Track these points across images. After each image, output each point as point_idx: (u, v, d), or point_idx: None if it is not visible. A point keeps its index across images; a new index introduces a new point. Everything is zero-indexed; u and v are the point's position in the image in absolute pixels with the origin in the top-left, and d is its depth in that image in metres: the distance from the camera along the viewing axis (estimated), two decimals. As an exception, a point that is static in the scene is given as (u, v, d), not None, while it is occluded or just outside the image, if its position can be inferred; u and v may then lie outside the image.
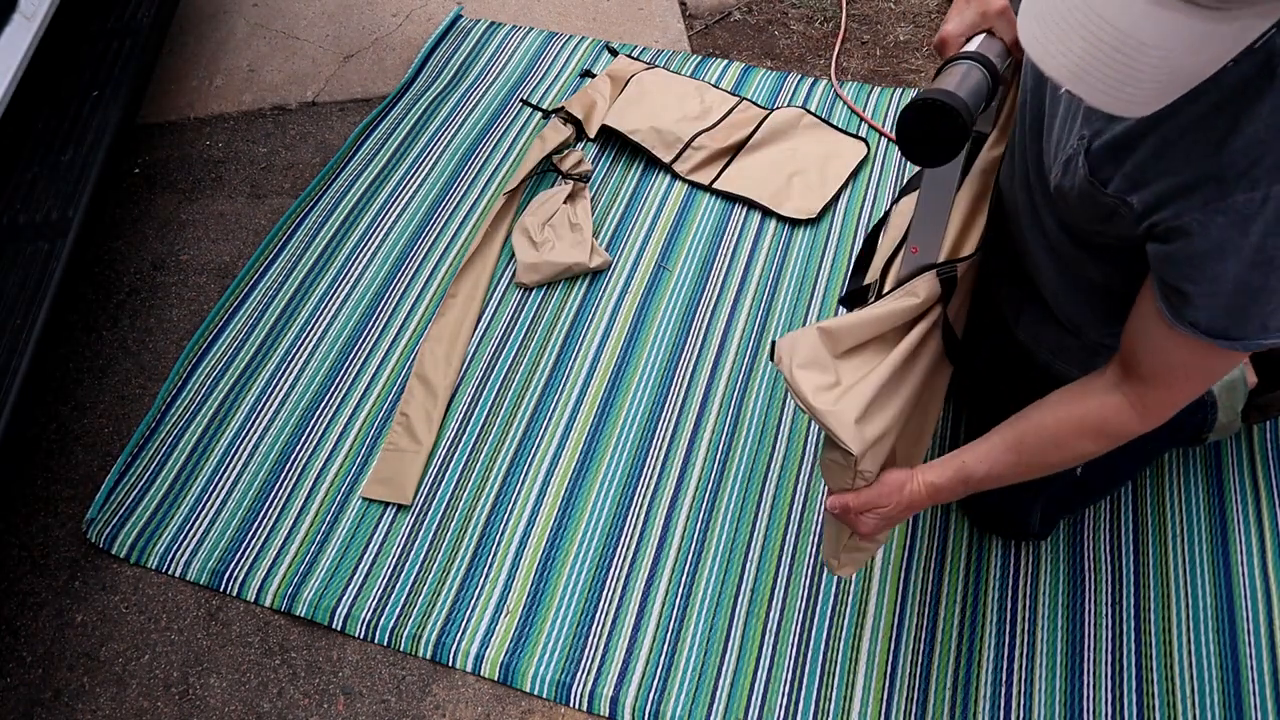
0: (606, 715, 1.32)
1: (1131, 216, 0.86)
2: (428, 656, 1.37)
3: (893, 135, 2.03)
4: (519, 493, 1.53)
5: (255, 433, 1.60)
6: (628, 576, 1.44)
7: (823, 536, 1.30)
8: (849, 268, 1.81)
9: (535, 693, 1.34)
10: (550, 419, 1.61)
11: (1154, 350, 0.90)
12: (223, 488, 1.54)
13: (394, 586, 1.43)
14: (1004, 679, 1.33)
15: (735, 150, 1.99)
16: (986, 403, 1.42)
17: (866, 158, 2.00)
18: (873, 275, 1.21)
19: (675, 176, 1.97)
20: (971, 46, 0.96)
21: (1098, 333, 1.10)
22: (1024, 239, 1.12)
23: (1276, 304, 0.79)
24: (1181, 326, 0.84)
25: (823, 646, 1.36)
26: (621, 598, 1.42)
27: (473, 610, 1.41)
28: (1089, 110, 0.89)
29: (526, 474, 1.55)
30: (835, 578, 1.42)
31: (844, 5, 2.38)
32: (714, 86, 2.12)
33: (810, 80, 2.18)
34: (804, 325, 1.72)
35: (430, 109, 2.11)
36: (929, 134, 0.90)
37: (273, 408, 1.63)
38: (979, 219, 1.14)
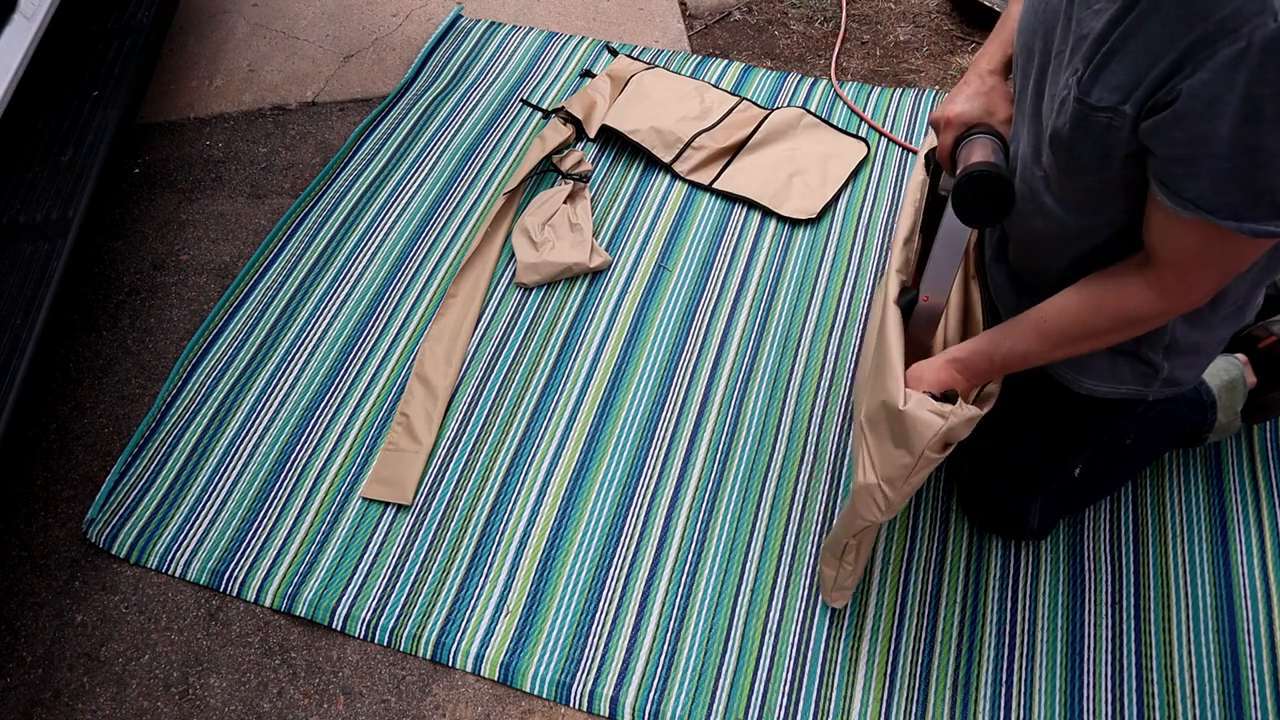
0: (606, 715, 1.32)
1: (1127, 127, 0.85)
2: (428, 656, 1.37)
3: (892, 135, 2.03)
4: (519, 493, 1.53)
5: (255, 433, 1.60)
6: (628, 576, 1.44)
7: (820, 577, 1.38)
8: (849, 268, 1.81)
9: (535, 693, 1.34)
10: (550, 419, 1.61)
11: (1168, 240, 0.88)
12: (223, 488, 1.54)
13: (394, 586, 1.43)
14: (1004, 679, 1.33)
15: (735, 150, 1.99)
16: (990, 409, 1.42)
17: (866, 158, 2.00)
18: (900, 259, 1.25)
19: (675, 176, 1.97)
20: (977, 154, 1.06)
21: None
22: (1036, 231, 1.12)
23: None
24: (1185, 209, 0.82)
25: (823, 646, 1.36)
26: (621, 598, 1.42)
27: (473, 610, 1.41)
28: (1076, 46, 0.89)
29: (526, 474, 1.55)
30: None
31: (844, 5, 2.38)
32: (714, 86, 2.12)
33: (810, 80, 2.18)
34: (804, 326, 1.72)
35: (430, 109, 2.11)
36: (985, 200, 1.00)
37: (273, 408, 1.63)
38: (972, 318, 1.23)
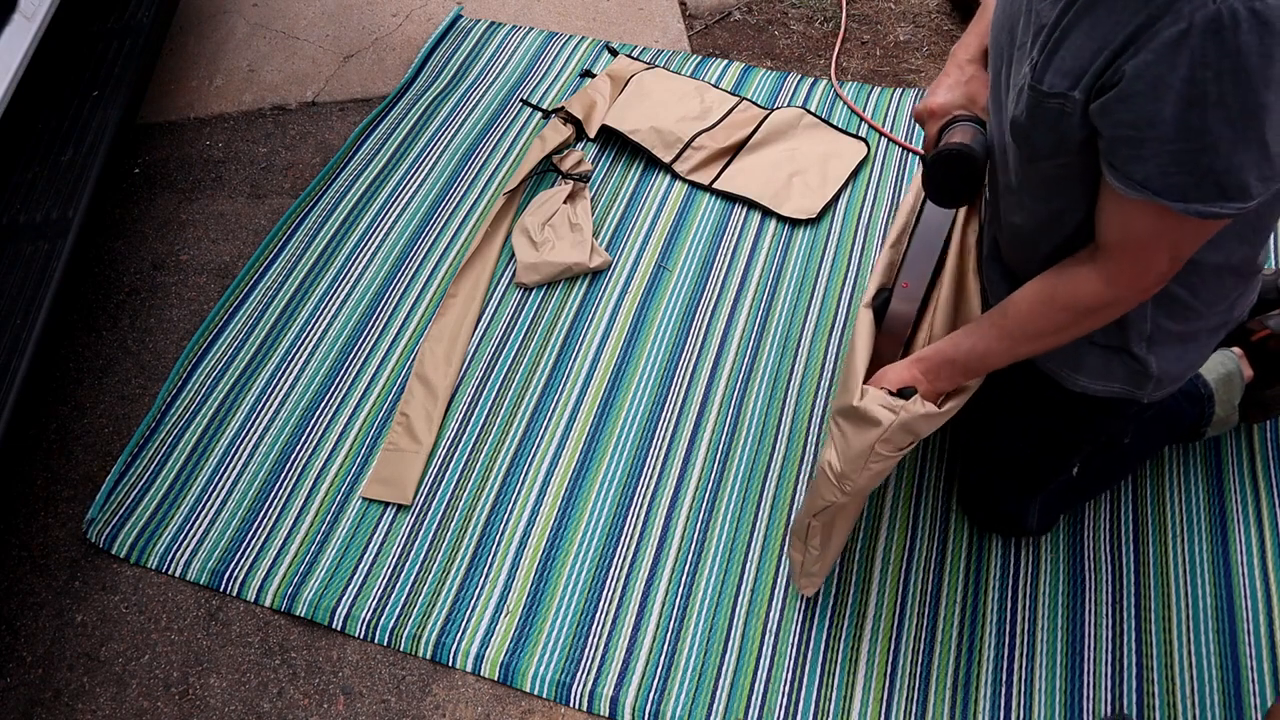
0: (606, 715, 1.32)
1: (1078, 113, 0.85)
2: (428, 656, 1.37)
3: (892, 135, 2.03)
4: (519, 493, 1.53)
5: (255, 433, 1.60)
6: (628, 576, 1.44)
7: (789, 561, 1.39)
8: (849, 268, 1.81)
9: (535, 693, 1.34)
10: (550, 419, 1.61)
11: (1116, 224, 0.89)
12: (223, 488, 1.54)
13: (394, 586, 1.43)
14: (1004, 679, 1.33)
15: (735, 150, 1.99)
16: (988, 410, 1.42)
17: (866, 158, 2.00)
18: (886, 261, 1.26)
19: (675, 176, 1.97)
20: (956, 137, 1.07)
21: None
22: (1016, 223, 1.12)
23: (1227, 160, 0.77)
24: (1134, 191, 0.82)
25: (823, 646, 1.36)
26: (621, 598, 1.42)
27: (473, 610, 1.41)
28: (1034, 38, 0.90)
29: (526, 474, 1.55)
30: (835, 577, 1.42)
31: (844, 5, 2.38)
32: (714, 86, 2.12)
33: (810, 80, 2.18)
34: (804, 326, 1.72)
35: (430, 109, 2.11)
36: (955, 179, 1.03)
37: (273, 408, 1.63)
38: (964, 307, 1.22)
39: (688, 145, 1.98)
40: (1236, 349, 1.45)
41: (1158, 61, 0.75)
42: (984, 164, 1.03)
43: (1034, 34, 0.91)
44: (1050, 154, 0.93)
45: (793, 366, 1.67)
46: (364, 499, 1.52)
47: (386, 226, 1.90)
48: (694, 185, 1.96)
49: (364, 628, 1.39)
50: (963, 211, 1.25)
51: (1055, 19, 0.86)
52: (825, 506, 1.18)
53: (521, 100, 2.13)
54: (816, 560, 1.28)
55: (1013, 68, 0.97)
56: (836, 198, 1.93)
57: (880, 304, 1.21)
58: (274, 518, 1.50)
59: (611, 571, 1.44)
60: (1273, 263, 1.73)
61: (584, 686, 1.34)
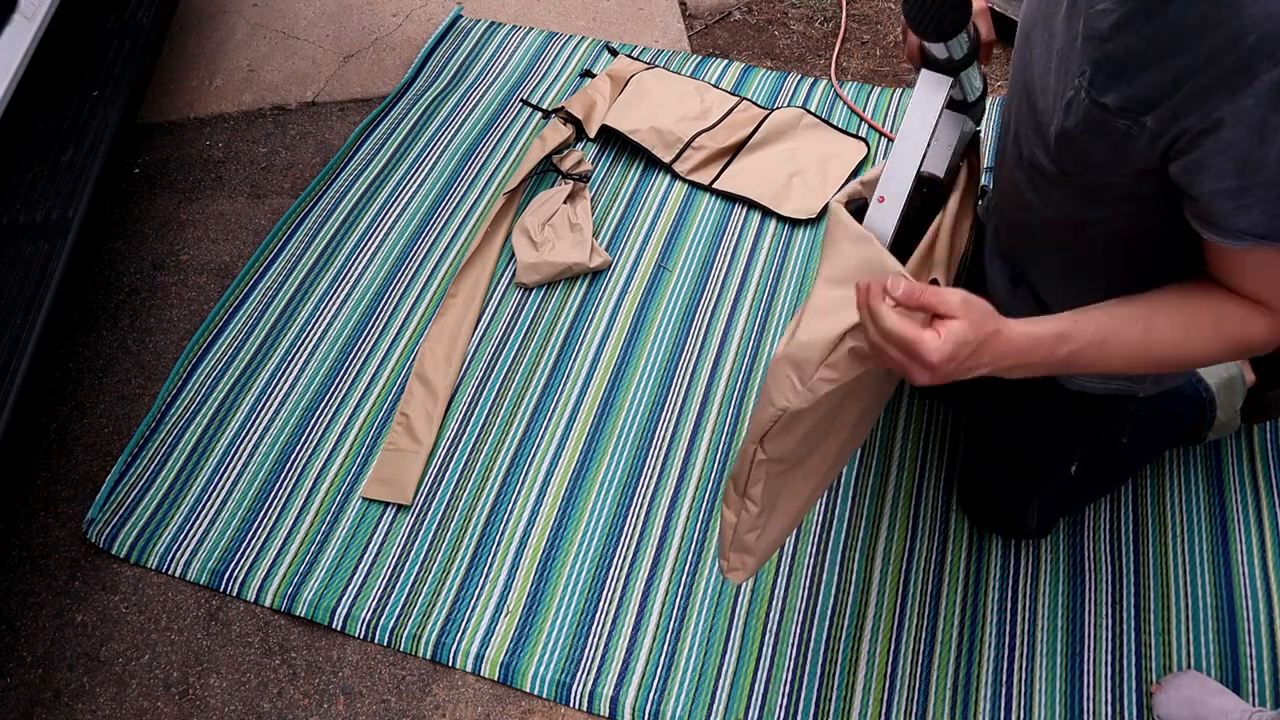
0: (606, 715, 1.32)
1: (1146, 138, 0.82)
2: (428, 656, 1.37)
3: (893, 135, 2.03)
4: (519, 493, 1.53)
5: (255, 433, 1.60)
6: (628, 576, 1.44)
7: (719, 528, 1.12)
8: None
9: (535, 693, 1.34)
10: (550, 419, 1.61)
11: (1251, 277, 0.83)
12: (223, 488, 1.54)
13: (394, 586, 1.43)
14: (1004, 679, 1.33)
15: (735, 150, 1.99)
16: (986, 408, 1.43)
17: (866, 158, 2.00)
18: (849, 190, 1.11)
19: (675, 176, 1.97)
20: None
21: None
22: (1024, 222, 1.10)
23: None
24: (1242, 242, 0.78)
25: (823, 646, 1.36)
26: (621, 598, 1.42)
27: (473, 610, 1.41)
28: (1085, 47, 0.87)
29: (526, 474, 1.55)
30: (835, 578, 1.42)
31: (844, 5, 2.38)
32: (714, 86, 2.12)
33: (810, 80, 2.18)
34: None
35: (430, 109, 2.11)
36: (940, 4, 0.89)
37: (273, 408, 1.63)
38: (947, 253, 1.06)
39: (688, 145, 1.98)
40: None
41: (1259, 105, 0.73)
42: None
43: (1082, 42, 0.88)
44: (1105, 171, 0.89)
45: (793, 366, 1.67)
46: (364, 499, 1.52)
47: (386, 226, 1.90)
48: (694, 185, 1.96)
49: (364, 628, 1.39)
50: (955, 208, 1.20)
51: (1109, 35, 0.83)
52: (778, 416, 0.91)
53: (521, 100, 2.13)
54: (751, 525, 0.98)
55: (1048, 66, 0.94)
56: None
57: (856, 209, 1.04)
58: (274, 518, 1.50)
59: (611, 571, 1.44)
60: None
61: (584, 686, 1.34)
